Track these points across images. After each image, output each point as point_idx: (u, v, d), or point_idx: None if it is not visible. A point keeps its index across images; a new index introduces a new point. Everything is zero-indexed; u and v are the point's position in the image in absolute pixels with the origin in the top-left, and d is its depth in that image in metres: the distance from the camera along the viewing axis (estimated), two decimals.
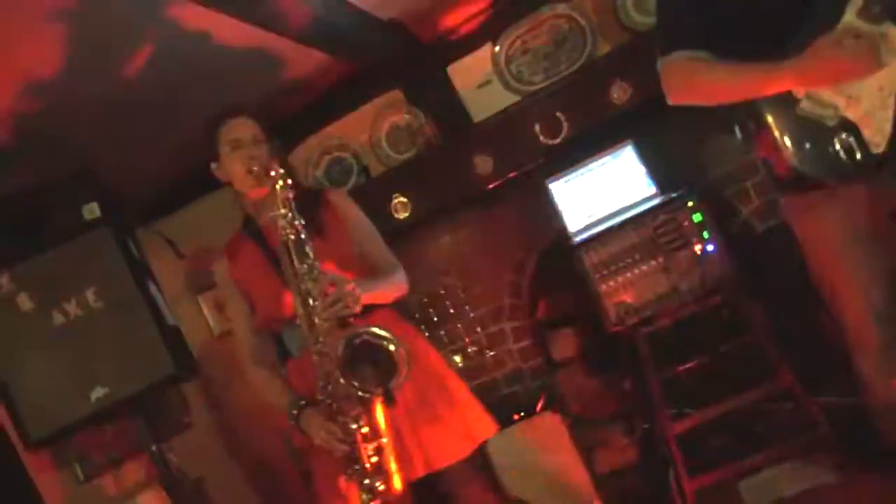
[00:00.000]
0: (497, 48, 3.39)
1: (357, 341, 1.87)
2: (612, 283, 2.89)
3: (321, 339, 1.91)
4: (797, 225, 2.05)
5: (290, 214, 1.96)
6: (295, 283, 1.95)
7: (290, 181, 1.97)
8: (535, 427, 3.07)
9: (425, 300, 3.57)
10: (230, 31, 2.51)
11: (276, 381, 2.16)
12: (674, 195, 2.93)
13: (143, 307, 2.50)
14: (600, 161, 3.16)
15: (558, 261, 3.22)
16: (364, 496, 1.88)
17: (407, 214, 3.36)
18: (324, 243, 2.06)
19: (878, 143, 1.77)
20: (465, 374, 3.49)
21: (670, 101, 2.01)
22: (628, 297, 2.87)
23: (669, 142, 3.24)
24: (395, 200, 3.38)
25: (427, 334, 3.47)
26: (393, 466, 1.87)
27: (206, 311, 3.85)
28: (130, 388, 2.45)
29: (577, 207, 3.16)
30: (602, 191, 3.14)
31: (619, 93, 3.18)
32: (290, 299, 1.99)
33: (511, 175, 3.30)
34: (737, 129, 2.04)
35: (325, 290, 1.91)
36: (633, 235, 2.89)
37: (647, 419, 3.08)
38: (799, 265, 2.13)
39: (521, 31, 3.37)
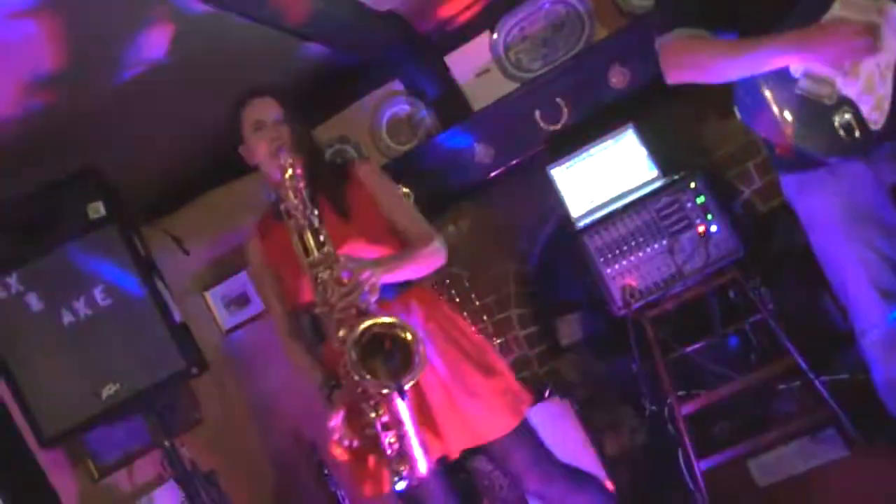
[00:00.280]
0: (495, 36, 3.38)
1: (365, 339, 1.83)
2: (616, 266, 2.89)
3: (341, 331, 1.87)
4: (798, 203, 2.05)
5: (300, 204, 1.93)
6: (311, 272, 1.92)
7: (299, 170, 1.94)
8: (543, 412, 3.09)
9: None
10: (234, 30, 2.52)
11: (307, 359, 2.15)
12: (676, 177, 2.93)
13: (151, 304, 2.52)
14: (601, 145, 3.16)
15: (563, 247, 3.23)
16: (393, 477, 1.86)
17: None
18: (348, 224, 2.04)
19: (877, 121, 1.77)
20: None
21: (668, 80, 2.01)
22: (633, 281, 2.88)
23: (670, 124, 3.24)
24: None
25: None
26: (417, 452, 1.84)
27: (213, 306, 3.88)
28: (141, 385, 2.47)
29: (579, 193, 3.16)
30: (604, 175, 3.13)
31: (619, 77, 3.18)
32: (309, 286, 1.96)
33: (512, 162, 3.30)
34: (736, 110, 2.03)
35: (340, 279, 1.87)
36: (637, 219, 2.89)
37: (656, 401, 3.08)
38: (802, 244, 2.14)
39: (518, 19, 3.37)
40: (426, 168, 3.37)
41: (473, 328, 2.19)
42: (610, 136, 3.15)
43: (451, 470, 2.09)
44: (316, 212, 1.94)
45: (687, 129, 3.28)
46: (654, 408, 3.11)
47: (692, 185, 2.87)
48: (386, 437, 1.84)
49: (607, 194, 3.12)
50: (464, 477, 3.04)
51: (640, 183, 3.08)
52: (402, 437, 1.84)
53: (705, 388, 2.90)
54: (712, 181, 2.97)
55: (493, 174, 3.32)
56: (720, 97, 2.10)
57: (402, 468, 1.83)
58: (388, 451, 1.85)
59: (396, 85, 3.57)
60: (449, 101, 3.42)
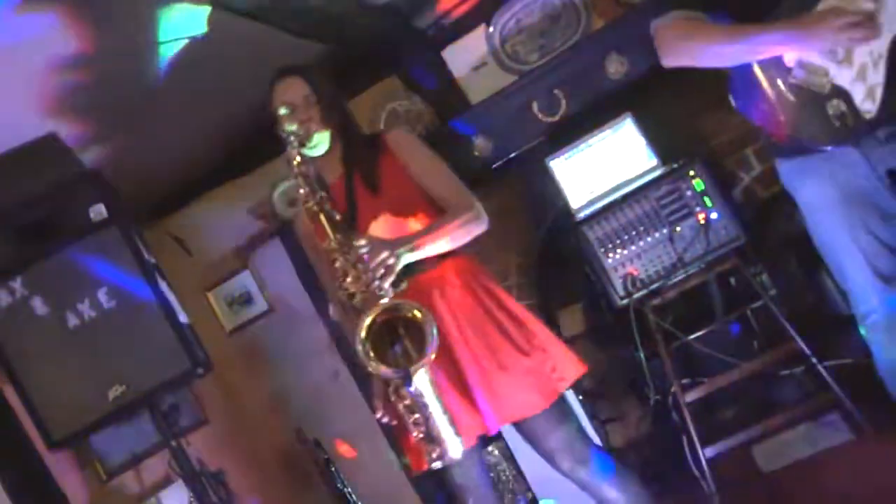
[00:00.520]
0: (491, 29, 3.38)
1: (374, 330, 1.81)
2: (617, 256, 2.90)
3: (360, 318, 1.84)
4: (795, 189, 2.06)
5: (310, 191, 1.92)
6: (328, 258, 1.91)
7: (301, 157, 1.93)
8: None
9: None
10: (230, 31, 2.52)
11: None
12: (675, 166, 2.94)
13: (155, 305, 2.52)
14: (600, 136, 3.16)
15: (564, 238, 3.24)
16: (427, 457, 1.85)
17: None
18: (380, 197, 2.02)
19: (869, 109, 1.77)
20: None
21: (664, 63, 2.01)
22: (634, 270, 2.88)
23: (668, 112, 3.24)
24: None
25: None
26: (446, 434, 1.82)
27: (216, 306, 3.89)
28: (147, 386, 2.48)
29: (579, 183, 3.16)
30: (603, 165, 3.13)
31: (616, 66, 3.18)
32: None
33: (512, 155, 3.31)
34: (731, 98, 2.04)
35: (356, 264, 1.85)
36: (637, 208, 2.90)
37: (659, 390, 3.09)
38: (802, 229, 2.14)
39: (514, 11, 3.36)
40: None
41: (513, 300, 2.11)
42: (608, 126, 3.16)
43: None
44: (325, 196, 1.93)
45: (685, 118, 3.28)
46: (658, 397, 3.11)
47: (691, 172, 2.87)
48: (410, 419, 1.83)
49: (607, 184, 3.12)
50: None
51: (639, 172, 3.09)
52: (427, 420, 1.82)
53: (709, 376, 2.91)
54: (711, 169, 2.98)
55: (492, 167, 3.32)
56: (717, 85, 2.10)
57: (433, 450, 1.82)
58: (415, 434, 1.83)
59: (394, 80, 3.57)
60: (446, 95, 3.42)
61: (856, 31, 1.72)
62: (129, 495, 3.25)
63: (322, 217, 1.92)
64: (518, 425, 2.04)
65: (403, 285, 1.92)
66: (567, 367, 2.03)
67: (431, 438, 1.82)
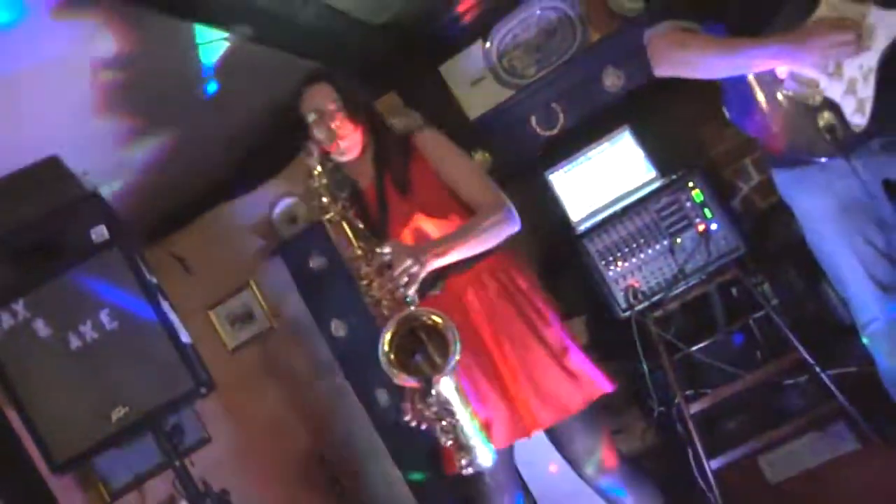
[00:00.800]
0: (488, 44, 3.40)
1: (397, 342, 1.81)
2: (618, 269, 2.91)
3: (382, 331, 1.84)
4: (792, 200, 2.06)
5: (331, 202, 1.92)
6: (352, 266, 1.91)
7: (322, 166, 1.93)
8: None
9: None
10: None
11: None
12: (674, 177, 2.94)
13: (158, 326, 2.52)
14: (598, 149, 3.17)
15: (565, 251, 3.24)
16: (458, 463, 1.84)
17: None
18: (410, 200, 2.02)
19: (859, 123, 1.78)
20: None
21: (656, 73, 2.02)
22: (636, 282, 2.89)
23: (666, 124, 3.26)
24: None
25: None
26: (475, 442, 1.82)
27: (218, 325, 3.89)
28: (150, 407, 2.47)
29: (578, 197, 3.18)
30: (602, 178, 3.15)
31: (613, 79, 3.20)
32: None
33: (511, 170, 3.32)
34: (725, 109, 2.05)
35: (381, 271, 1.84)
36: (637, 220, 2.90)
37: (664, 402, 3.08)
38: (802, 238, 2.14)
39: (510, 26, 3.38)
40: None
41: (547, 302, 2.11)
42: (606, 138, 3.17)
43: None
44: (346, 204, 1.94)
45: (683, 129, 3.30)
46: (662, 408, 3.10)
47: (690, 184, 2.88)
48: (438, 426, 1.82)
49: (606, 197, 3.13)
50: None
51: (638, 184, 3.10)
52: (455, 427, 1.81)
53: (712, 387, 2.90)
54: (710, 179, 2.98)
55: None
56: (714, 96, 2.11)
57: (462, 457, 1.82)
58: (444, 440, 1.83)
59: (394, 97, 3.58)
60: (445, 111, 3.43)
61: (845, 45, 1.73)
62: None
63: (344, 225, 1.92)
64: (550, 431, 2.04)
65: (439, 287, 1.94)
66: (598, 375, 2.05)
67: (461, 446, 1.82)
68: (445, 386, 1.81)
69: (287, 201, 3.74)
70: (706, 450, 2.78)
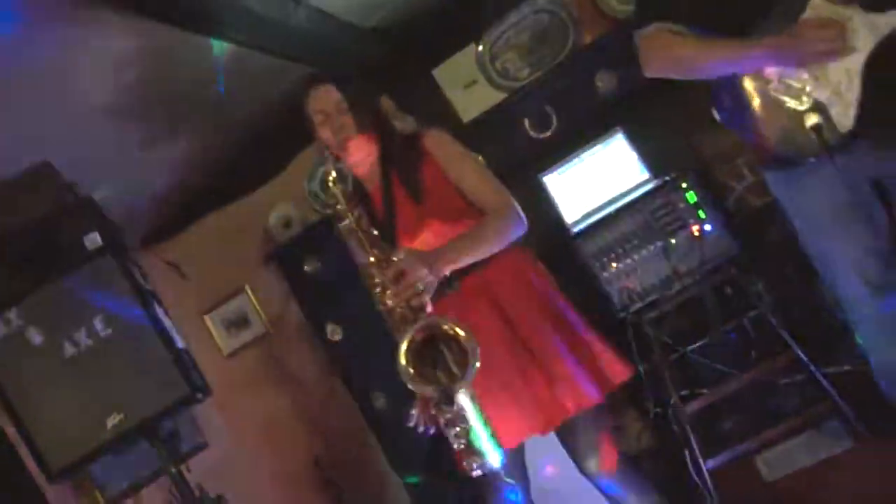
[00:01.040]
0: (480, 47, 3.41)
1: (414, 350, 1.79)
2: (613, 270, 2.91)
3: (401, 329, 1.84)
4: (784, 200, 2.07)
5: (347, 209, 1.90)
6: (366, 274, 1.90)
7: (336, 172, 1.91)
8: None
9: None
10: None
11: None
12: (667, 178, 2.95)
13: (152, 332, 2.52)
14: (592, 151, 3.18)
15: (559, 253, 3.24)
16: (468, 466, 1.84)
17: None
18: (423, 206, 2.01)
19: (846, 124, 1.80)
20: None
21: (646, 73, 2.03)
22: (630, 284, 2.89)
23: (659, 126, 3.26)
24: None
25: None
26: (486, 446, 1.81)
27: (214, 330, 3.88)
28: (145, 413, 2.47)
29: (572, 199, 3.18)
30: (596, 180, 3.16)
31: (605, 81, 3.21)
32: None
33: (504, 172, 3.31)
34: (714, 111, 2.06)
35: (396, 280, 1.82)
36: (630, 222, 2.91)
37: (659, 403, 3.09)
38: (796, 238, 2.15)
39: (503, 28, 3.39)
40: None
41: (563, 296, 2.12)
42: (600, 140, 3.18)
43: None
44: (361, 212, 1.92)
45: (676, 130, 3.30)
46: (658, 409, 3.11)
47: (683, 185, 2.89)
48: (451, 432, 1.82)
49: (600, 199, 3.14)
50: None
51: (631, 186, 3.10)
52: (467, 433, 1.81)
53: (708, 387, 2.91)
54: (703, 180, 3.00)
55: None
56: (707, 97, 2.12)
57: (473, 460, 1.81)
58: (456, 445, 1.82)
59: (387, 101, 3.58)
60: (438, 114, 3.43)
61: (831, 45, 1.74)
62: None
63: (359, 234, 1.90)
64: (558, 429, 2.04)
65: (454, 286, 1.96)
66: (616, 364, 2.05)
67: (472, 449, 1.82)
68: (461, 393, 1.80)
69: (282, 206, 3.74)
70: (702, 449, 2.79)
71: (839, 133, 1.81)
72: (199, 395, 2.55)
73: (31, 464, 2.51)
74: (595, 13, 3.31)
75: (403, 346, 1.78)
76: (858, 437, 2.60)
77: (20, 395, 2.43)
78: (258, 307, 3.85)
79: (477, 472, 1.82)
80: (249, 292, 3.84)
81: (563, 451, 2.15)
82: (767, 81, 1.86)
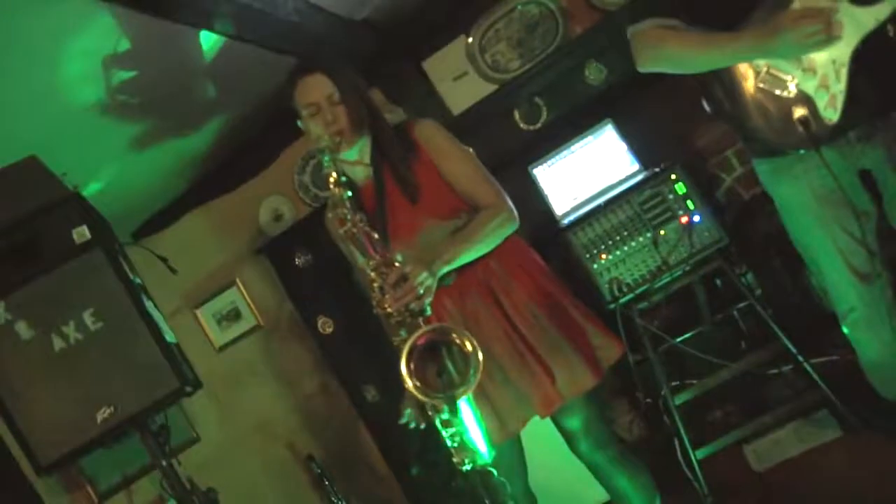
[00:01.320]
0: (470, 39, 3.40)
1: (416, 355, 1.79)
2: (603, 261, 2.91)
3: (399, 334, 1.85)
4: (772, 189, 2.09)
5: (348, 213, 1.88)
6: (366, 279, 1.89)
7: (343, 178, 1.89)
8: None
9: None
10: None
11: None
12: (656, 169, 2.95)
13: (142, 325, 2.51)
14: (582, 142, 3.18)
15: (549, 245, 3.25)
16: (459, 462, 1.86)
17: None
18: (417, 205, 2.00)
19: (832, 116, 1.81)
20: None
21: (639, 69, 2.04)
22: (620, 275, 2.89)
23: (648, 117, 3.27)
24: None
25: None
26: (476, 443, 1.83)
27: (205, 324, 3.88)
28: (135, 407, 2.45)
29: (562, 190, 3.18)
30: (586, 171, 3.16)
31: (595, 73, 3.21)
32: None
33: (494, 164, 3.31)
34: (704, 103, 2.07)
35: (396, 283, 1.83)
36: (620, 213, 2.91)
37: (650, 393, 3.10)
38: (785, 229, 2.16)
39: (492, 21, 3.38)
40: None
41: (556, 280, 2.13)
42: (589, 132, 3.18)
43: None
44: (364, 218, 1.90)
45: (666, 122, 3.31)
46: (648, 400, 3.13)
47: (672, 176, 2.89)
48: (446, 432, 1.83)
49: (590, 190, 3.14)
50: None
51: (621, 177, 3.11)
52: (462, 433, 1.82)
53: (698, 378, 2.93)
54: (693, 171, 2.99)
55: None
56: (696, 89, 2.13)
57: (465, 456, 1.83)
58: (450, 443, 1.84)
59: (377, 94, 3.58)
60: (428, 107, 3.43)
61: (815, 34, 1.74)
62: None
63: (361, 238, 1.89)
64: (556, 413, 2.06)
65: (451, 279, 1.96)
66: (609, 345, 2.08)
67: (465, 447, 1.83)
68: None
69: (272, 199, 3.73)
70: (692, 440, 2.80)
71: (826, 125, 1.82)
72: (189, 389, 2.54)
73: (20, 457, 2.50)
74: (584, 5, 3.31)
75: (403, 359, 1.78)
76: (847, 427, 2.61)
77: (9, 389, 2.41)
78: (249, 300, 3.85)
79: (468, 468, 1.84)
80: (240, 286, 3.84)
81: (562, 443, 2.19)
82: (756, 73, 1.87)
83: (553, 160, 3.19)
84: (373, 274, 1.87)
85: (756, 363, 2.90)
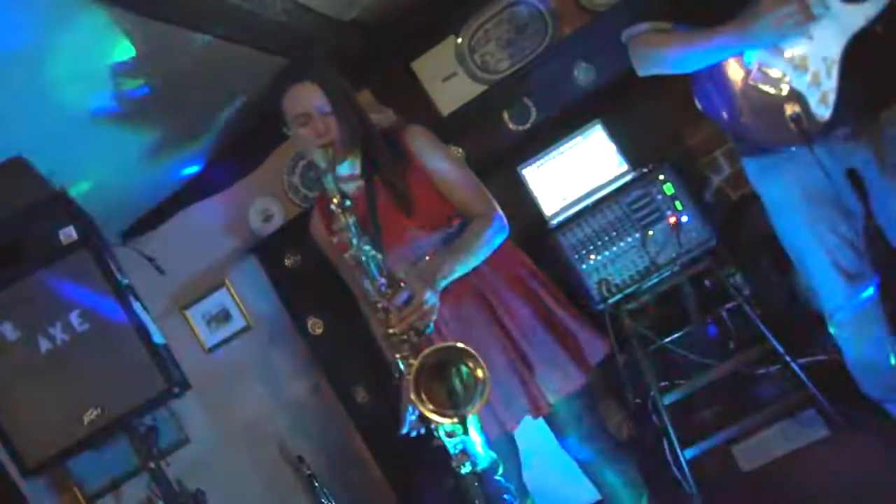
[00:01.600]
0: (460, 40, 3.40)
1: (425, 373, 1.80)
2: (591, 262, 2.92)
3: (400, 354, 1.87)
4: (760, 187, 2.09)
5: (354, 239, 1.87)
6: (370, 301, 1.90)
7: (347, 202, 1.88)
8: None
9: None
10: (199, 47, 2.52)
11: (381, 334, 2.03)
12: (645, 170, 2.96)
13: (129, 327, 2.50)
14: (570, 143, 3.18)
15: (538, 245, 3.25)
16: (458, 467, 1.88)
17: None
18: (410, 218, 2.00)
19: (823, 113, 1.82)
20: None
21: (639, 74, 2.06)
22: (609, 275, 2.90)
23: (637, 118, 3.27)
24: None
25: None
26: (477, 449, 1.85)
27: (194, 325, 3.86)
28: (123, 408, 2.44)
29: (551, 191, 3.19)
30: (575, 172, 3.16)
31: (584, 74, 3.22)
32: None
33: (484, 165, 3.32)
34: (696, 100, 2.07)
35: (402, 305, 1.85)
36: (609, 213, 2.91)
37: (639, 394, 3.11)
38: (773, 229, 2.17)
39: (482, 21, 3.39)
40: None
41: (549, 289, 2.15)
42: (578, 132, 3.19)
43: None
44: (369, 247, 1.89)
45: (654, 122, 3.32)
46: (637, 400, 3.13)
47: (661, 176, 2.90)
48: (449, 442, 1.85)
49: (579, 191, 3.15)
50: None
51: (610, 178, 3.11)
52: (464, 441, 1.84)
53: (686, 378, 2.94)
54: (681, 172, 3.00)
55: None
56: (685, 89, 2.14)
57: (465, 461, 1.85)
58: (453, 451, 1.85)
59: (366, 94, 3.57)
60: (417, 108, 3.43)
61: (791, 15, 1.75)
62: None
63: (369, 263, 1.88)
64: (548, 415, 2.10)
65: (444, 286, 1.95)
66: (594, 343, 2.12)
67: (467, 454, 1.85)
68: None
69: (261, 200, 3.72)
70: (681, 440, 2.81)
71: (818, 121, 1.83)
72: (177, 390, 2.53)
73: (6, 459, 2.48)
74: (574, 6, 3.31)
75: (413, 384, 1.78)
76: (834, 426, 2.63)
77: None
78: (239, 301, 3.83)
79: (465, 472, 1.86)
80: (230, 287, 3.82)
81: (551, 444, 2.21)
82: (748, 71, 1.88)
83: (542, 161, 3.20)
84: (377, 296, 1.88)
85: (744, 363, 2.91)
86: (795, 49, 1.82)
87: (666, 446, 2.86)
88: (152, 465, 2.61)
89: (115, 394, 2.45)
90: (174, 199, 3.74)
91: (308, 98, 1.94)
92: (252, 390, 3.82)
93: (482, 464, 1.85)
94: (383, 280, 1.88)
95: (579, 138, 3.18)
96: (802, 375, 2.69)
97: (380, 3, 3.07)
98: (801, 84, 1.84)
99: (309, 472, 3.45)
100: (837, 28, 1.76)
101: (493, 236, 2.02)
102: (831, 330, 2.11)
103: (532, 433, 2.23)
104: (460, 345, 1.80)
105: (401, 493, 3.51)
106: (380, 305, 1.87)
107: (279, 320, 3.74)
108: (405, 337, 1.86)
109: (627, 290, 2.90)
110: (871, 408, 2.27)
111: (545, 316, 2.08)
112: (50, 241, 2.44)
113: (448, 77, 3.43)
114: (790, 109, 1.85)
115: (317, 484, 3.40)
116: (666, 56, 1.97)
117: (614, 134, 3.16)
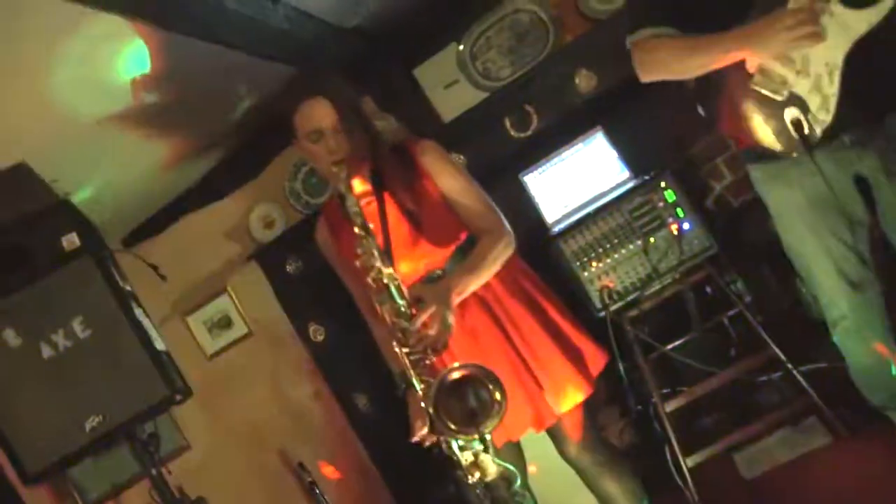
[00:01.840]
0: (461, 47, 3.41)
1: (443, 393, 1.81)
2: (593, 269, 2.92)
3: (415, 372, 1.88)
4: (765, 194, 2.09)
5: (378, 263, 1.89)
6: (388, 320, 1.91)
7: (369, 225, 1.90)
8: None
9: None
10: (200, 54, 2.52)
11: (387, 343, 2.03)
12: (646, 177, 2.96)
13: (131, 333, 2.50)
14: (572, 150, 3.19)
15: (539, 253, 3.25)
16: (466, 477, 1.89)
17: None
18: (415, 230, 2.02)
19: (824, 119, 1.81)
20: None
21: (642, 80, 2.05)
22: (610, 283, 2.90)
23: (639, 125, 3.27)
24: None
25: None
26: (486, 460, 1.86)
27: (196, 331, 3.86)
28: (124, 415, 2.45)
29: (552, 198, 3.19)
30: (576, 179, 3.17)
31: (585, 81, 3.23)
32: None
33: (485, 172, 3.32)
34: (699, 108, 2.07)
35: (421, 327, 1.85)
36: (610, 220, 2.92)
37: (640, 401, 3.11)
38: (775, 236, 2.17)
39: (483, 28, 3.40)
40: None
41: (552, 301, 2.17)
42: (580, 140, 3.19)
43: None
44: (389, 269, 1.91)
45: (656, 129, 3.31)
46: (639, 407, 3.13)
47: (662, 184, 2.90)
48: (463, 455, 1.87)
49: (580, 198, 3.15)
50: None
51: (611, 185, 3.12)
52: (476, 455, 1.86)
53: (688, 385, 2.93)
54: (683, 179, 3.01)
55: None
56: (686, 96, 2.14)
57: (474, 473, 1.86)
58: (464, 463, 1.87)
59: (368, 101, 3.58)
60: (419, 114, 3.44)
61: (800, 27, 1.75)
62: None
63: (391, 287, 1.90)
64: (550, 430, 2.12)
65: None
66: (595, 354, 2.14)
67: (478, 465, 1.86)
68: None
69: (263, 206, 3.73)
70: (682, 447, 2.81)
71: (819, 128, 1.83)
72: (179, 397, 2.53)
73: (7, 467, 2.48)
74: (575, 13, 3.32)
75: (430, 404, 1.79)
76: (836, 434, 2.62)
77: None
78: (240, 308, 3.83)
79: (474, 481, 1.87)
80: (231, 293, 3.82)
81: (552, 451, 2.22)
82: (750, 76, 1.88)
83: (543, 168, 3.20)
84: (396, 317, 1.89)
85: (746, 371, 2.91)
86: (797, 53, 1.82)
87: (667, 454, 2.85)
88: (154, 472, 2.61)
89: (117, 400, 2.45)
90: (176, 205, 3.75)
91: (321, 115, 1.97)
92: (253, 397, 3.82)
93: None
94: (403, 302, 1.89)
95: (581, 145, 3.19)
96: (804, 383, 2.69)
97: (381, 10, 3.08)
98: (803, 89, 1.83)
99: (310, 478, 3.44)
100: (840, 33, 1.76)
101: (503, 252, 2.05)
102: (835, 338, 2.10)
103: (535, 440, 2.23)
104: (484, 366, 1.81)
105: (402, 500, 3.50)
106: (400, 327, 1.89)
107: (280, 327, 3.74)
108: (422, 355, 1.88)
109: (629, 298, 2.90)
110: (874, 415, 2.26)
111: (549, 327, 2.09)
112: (53, 248, 2.45)
113: (450, 84, 3.43)
114: (791, 115, 1.85)
115: (318, 491, 3.40)
116: (670, 63, 1.97)
117: (616, 141, 3.16)
